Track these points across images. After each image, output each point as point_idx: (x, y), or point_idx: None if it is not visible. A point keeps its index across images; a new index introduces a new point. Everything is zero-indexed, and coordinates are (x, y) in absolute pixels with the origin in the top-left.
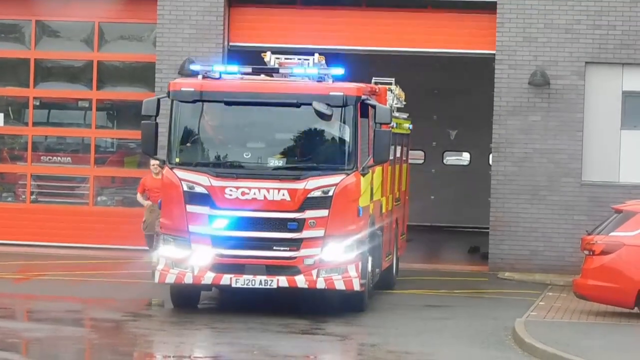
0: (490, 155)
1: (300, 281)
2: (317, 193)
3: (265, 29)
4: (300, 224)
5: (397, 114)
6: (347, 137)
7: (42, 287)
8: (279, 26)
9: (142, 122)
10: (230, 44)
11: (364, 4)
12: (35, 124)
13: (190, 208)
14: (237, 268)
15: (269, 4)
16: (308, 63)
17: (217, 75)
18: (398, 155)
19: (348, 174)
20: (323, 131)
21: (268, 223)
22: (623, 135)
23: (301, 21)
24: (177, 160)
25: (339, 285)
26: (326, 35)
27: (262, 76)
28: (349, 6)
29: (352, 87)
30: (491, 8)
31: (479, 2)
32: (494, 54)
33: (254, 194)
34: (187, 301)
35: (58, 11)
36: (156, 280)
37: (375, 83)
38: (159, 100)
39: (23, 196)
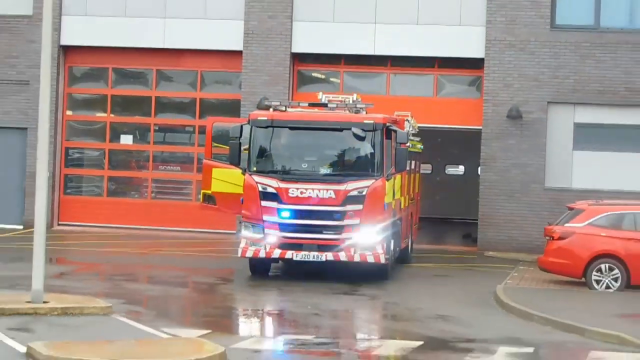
0: (479, 168)
1: (342, 256)
2: (354, 193)
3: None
4: (342, 215)
5: (412, 138)
6: (376, 152)
7: (158, 260)
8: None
9: (230, 142)
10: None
11: (388, 93)
12: (155, 142)
13: (264, 203)
14: (297, 246)
15: (322, 63)
16: (349, 100)
17: (283, 109)
18: (413, 167)
19: (377, 179)
20: (359, 149)
21: (319, 214)
22: (574, 154)
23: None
24: (254, 169)
25: (370, 259)
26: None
27: (316, 109)
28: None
29: (379, 117)
30: (479, 65)
31: (470, 59)
32: (481, 129)
33: (309, 193)
34: (261, 270)
35: (172, 63)
36: (239, 254)
37: (397, 115)
38: (242, 126)
39: (145, 194)
